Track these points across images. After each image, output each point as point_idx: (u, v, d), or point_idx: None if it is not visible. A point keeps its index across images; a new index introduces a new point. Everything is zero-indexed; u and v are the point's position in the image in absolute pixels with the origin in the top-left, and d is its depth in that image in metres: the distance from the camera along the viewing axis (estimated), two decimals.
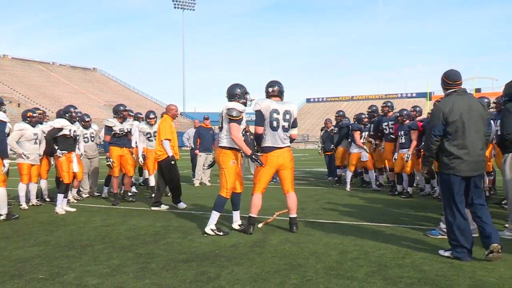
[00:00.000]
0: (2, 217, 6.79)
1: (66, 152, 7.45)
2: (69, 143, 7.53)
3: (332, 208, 7.71)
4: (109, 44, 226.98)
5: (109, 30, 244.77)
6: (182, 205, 7.87)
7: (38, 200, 8.38)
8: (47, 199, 8.70)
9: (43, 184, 8.75)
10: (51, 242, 5.39)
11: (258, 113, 5.69)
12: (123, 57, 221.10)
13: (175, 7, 71.24)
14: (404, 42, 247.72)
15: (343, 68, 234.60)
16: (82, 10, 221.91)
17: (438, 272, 4.00)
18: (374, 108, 10.90)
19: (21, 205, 7.93)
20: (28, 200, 8.18)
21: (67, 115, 7.58)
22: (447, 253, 4.47)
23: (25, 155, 7.71)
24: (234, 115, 5.56)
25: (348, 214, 7.09)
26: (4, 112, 6.99)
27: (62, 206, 7.47)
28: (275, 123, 5.65)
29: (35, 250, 5.02)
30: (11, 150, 7.61)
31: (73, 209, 7.67)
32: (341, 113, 11.85)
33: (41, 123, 8.41)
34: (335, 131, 11.62)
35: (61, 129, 7.40)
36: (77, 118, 7.98)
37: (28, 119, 7.91)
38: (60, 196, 7.43)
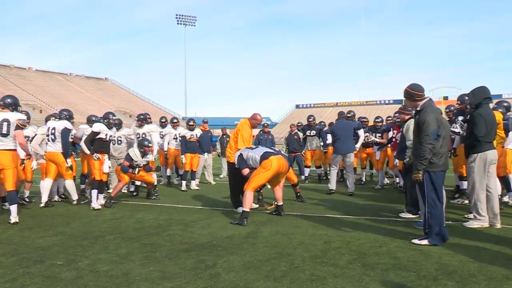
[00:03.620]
0: (74, 202, 7.55)
1: (100, 153, 7.33)
2: (103, 145, 7.40)
3: (318, 203, 7.69)
4: (119, 56, 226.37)
5: (118, 44, 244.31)
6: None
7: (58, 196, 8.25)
8: (62, 196, 8.40)
9: (61, 182, 8.52)
10: (67, 233, 5.35)
11: None
12: (132, 67, 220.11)
13: (178, 23, 71.27)
14: (382, 54, 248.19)
15: (329, 77, 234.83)
16: (94, 26, 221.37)
17: (410, 258, 4.02)
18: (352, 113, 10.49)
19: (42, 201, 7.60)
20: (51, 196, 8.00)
21: (105, 121, 7.47)
22: (424, 241, 4.49)
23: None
24: None
25: (332, 208, 7.08)
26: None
27: (98, 201, 7.33)
28: None
29: (54, 239, 5.00)
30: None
31: (99, 207, 7.39)
32: (312, 117, 11.59)
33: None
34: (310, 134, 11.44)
35: (98, 133, 7.29)
36: (114, 124, 7.85)
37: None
38: (94, 192, 7.26)
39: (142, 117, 9.43)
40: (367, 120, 10.56)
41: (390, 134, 8.96)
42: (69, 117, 7.61)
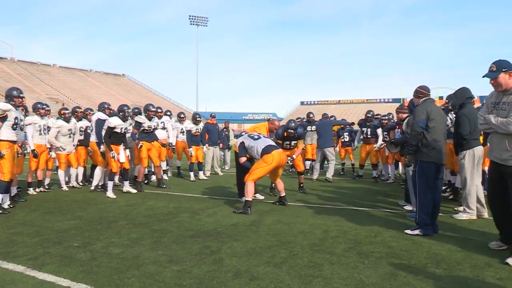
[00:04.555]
0: (92, 188, 7.80)
1: (116, 145, 7.30)
2: (118, 137, 7.35)
3: (319, 194, 7.68)
4: (135, 54, 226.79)
5: (135, 42, 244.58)
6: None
7: (77, 183, 8.33)
8: (80, 184, 8.48)
9: (80, 170, 8.56)
10: (84, 217, 5.41)
11: None
12: (147, 64, 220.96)
13: (190, 24, 70.67)
14: (382, 55, 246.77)
15: (332, 75, 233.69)
16: (113, 26, 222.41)
17: (402, 248, 4.00)
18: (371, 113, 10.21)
19: (62, 187, 7.95)
20: (68, 182, 8.22)
21: (120, 113, 7.33)
22: (416, 231, 4.48)
23: (62, 148, 7.75)
24: None
25: (332, 199, 7.06)
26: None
27: (125, 188, 7.58)
28: None
29: (72, 223, 5.06)
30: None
31: (134, 191, 7.62)
32: (312, 114, 11.56)
33: (81, 119, 8.35)
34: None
35: (114, 128, 7.22)
36: (130, 117, 7.78)
37: (63, 116, 7.91)
38: (110, 183, 7.28)
39: (136, 110, 9.09)
40: (387, 119, 9.53)
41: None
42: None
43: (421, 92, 4.83)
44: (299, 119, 12.28)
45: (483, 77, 3.71)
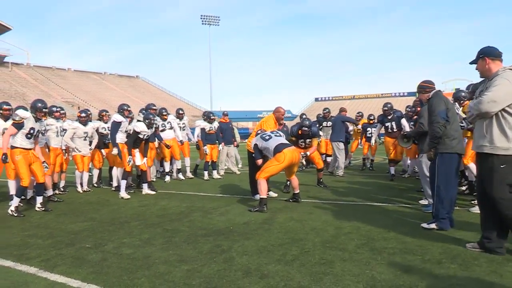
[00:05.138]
0: (113, 188, 8.11)
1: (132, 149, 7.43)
2: (137, 141, 7.47)
3: (332, 190, 7.62)
4: (148, 55, 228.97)
5: (148, 44, 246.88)
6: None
7: (88, 187, 8.29)
8: (95, 185, 8.68)
9: (95, 173, 8.77)
10: (96, 219, 5.46)
11: None
12: (161, 65, 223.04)
13: (202, 23, 71.12)
14: (397, 49, 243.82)
15: (346, 71, 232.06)
16: (125, 28, 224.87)
17: (416, 243, 3.92)
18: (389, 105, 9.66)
19: (77, 188, 8.04)
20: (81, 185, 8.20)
21: (146, 121, 7.44)
22: (432, 225, 4.39)
23: (77, 149, 7.79)
24: None
25: (345, 195, 6.99)
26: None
27: (144, 190, 7.65)
28: None
29: (85, 224, 5.11)
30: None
31: (154, 192, 7.66)
32: (327, 110, 11.56)
33: (91, 121, 8.37)
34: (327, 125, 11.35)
35: (139, 133, 7.35)
36: (155, 124, 7.86)
37: (79, 119, 7.99)
38: (123, 182, 7.35)
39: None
40: (410, 112, 8.85)
41: None
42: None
43: (428, 86, 4.75)
44: (305, 115, 12.25)
45: (470, 63, 3.73)
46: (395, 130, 9.15)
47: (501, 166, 3.37)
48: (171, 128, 9.52)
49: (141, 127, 7.36)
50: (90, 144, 8.13)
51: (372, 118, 11.37)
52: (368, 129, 11.28)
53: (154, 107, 8.64)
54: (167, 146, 8.77)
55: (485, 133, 3.47)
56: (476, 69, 3.66)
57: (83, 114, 8.02)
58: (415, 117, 8.14)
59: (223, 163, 11.05)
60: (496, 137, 3.39)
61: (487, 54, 3.56)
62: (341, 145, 9.93)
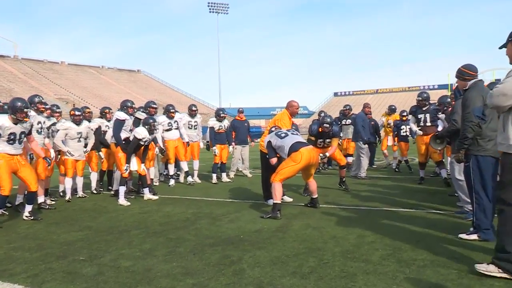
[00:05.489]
0: (112, 192, 8.17)
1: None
2: (137, 148, 7.49)
3: (353, 194, 7.55)
4: (151, 47, 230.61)
5: (150, 35, 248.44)
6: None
7: (85, 192, 8.22)
8: (94, 191, 8.60)
9: (93, 177, 8.68)
10: (93, 228, 5.47)
11: None
12: (164, 59, 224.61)
13: (210, 12, 71.22)
14: (425, 37, 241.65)
15: (368, 62, 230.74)
16: (125, 18, 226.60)
17: (451, 255, 3.82)
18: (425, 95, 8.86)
19: (66, 197, 7.80)
20: (75, 191, 8.17)
21: (147, 126, 7.42)
22: (473, 236, 4.27)
23: (69, 153, 7.61)
24: None
25: (367, 199, 6.91)
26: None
27: (146, 196, 7.68)
28: None
29: (79, 234, 5.11)
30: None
31: (156, 197, 7.70)
32: (348, 107, 11.79)
33: (89, 121, 8.39)
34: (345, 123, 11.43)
35: (141, 140, 7.35)
36: (156, 130, 7.84)
37: (72, 117, 7.80)
38: (121, 189, 7.36)
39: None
40: (438, 106, 8.34)
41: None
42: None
43: (467, 73, 4.48)
44: (324, 113, 12.30)
45: (499, 48, 3.56)
46: (428, 124, 8.45)
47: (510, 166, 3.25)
48: (178, 127, 9.55)
49: (142, 133, 7.32)
50: (85, 146, 8.03)
51: (405, 114, 11.16)
52: (402, 127, 11.07)
53: (154, 105, 8.53)
54: (162, 152, 8.61)
55: (502, 129, 3.36)
56: (507, 54, 3.49)
57: (77, 112, 7.85)
58: (441, 114, 7.91)
59: (235, 165, 11.02)
60: (510, 134, 3.28)
61: None
62: (363, 145, 9.89)
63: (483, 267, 3.30)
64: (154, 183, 9.04)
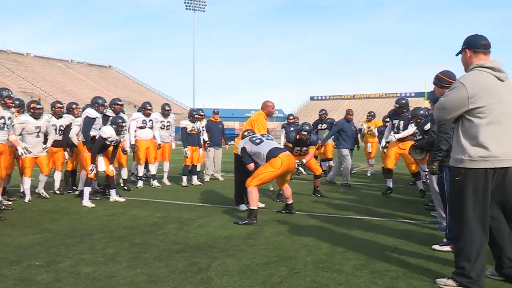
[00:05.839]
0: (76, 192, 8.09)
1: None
2: (103, 147, 7.34)
3: (327, 201, 7.57)
4: (124, 43, 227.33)
5: (124, 30, 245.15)
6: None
7: (44, 191, 7.85)
8: (57, 192, 8.35)
9: (57, 176, 8.45)
10: (52, 230, 5.29)
11: None
12: (137, 55, 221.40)
13: (186, 8, 70.83)
14: (404, 44, 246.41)
15: (346, 67, 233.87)
16: (99, 10, 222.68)
17: (424, 266, 3.85)
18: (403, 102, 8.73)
19: (25, 197, 7.46)
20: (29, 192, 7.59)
21: (114, 126, 7.25)
22: (446, 247, 4.31)
23: (26, 149, 7.11)
24: None
25: (341, 207, 6.93)
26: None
27: (112, 198, 7.53)
28: None
29: (37, 237, 4.93)
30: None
31: (122, 199, 7.54)
32: (323, 111, 11.98)
33: (61, 117, 8.17)
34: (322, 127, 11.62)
35: (106, 139, 7.19)
36: (125, 130, 7.69)
37: (32, 110, 7.38)
38: (86, 190, 7.16)
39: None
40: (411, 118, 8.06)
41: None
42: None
43: (446, 80, 4.36)
44: (292, 116, 12.80)
45: (456, 55, 3.52)
46: (401, 129, 8.34)
47: (456, 178, 3.28)
48: (152, 127, 9.42)
49: (108, 132, 7.17)
50: (45, 142, 7.63)
51: (387, 119, 10.52)
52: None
53: (119, 103, 8.30)
54: (124, 151, 8.53)
55: (455, 141, 3.36)
56: (462, 61, 3.44)
57: (37, 106, 7.44)
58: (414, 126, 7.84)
59: (210, 168, 10.91)
60: (456, 147, 3.30)
61: (468, 45, 3.37)
62: (345, 151, 10.01)
63: (442, 282, 3.33)
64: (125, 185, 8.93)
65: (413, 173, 8.32)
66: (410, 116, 8.21)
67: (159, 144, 9.53)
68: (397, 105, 8.49)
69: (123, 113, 8.89)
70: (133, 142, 9.11)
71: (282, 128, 12.55)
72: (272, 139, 6.27)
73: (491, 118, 3.11)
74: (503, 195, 3.26)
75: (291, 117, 12.70)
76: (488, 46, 3.32)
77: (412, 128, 7.97)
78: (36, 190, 7.86)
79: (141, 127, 9.22)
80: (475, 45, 3.32)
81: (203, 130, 10.40)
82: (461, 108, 3.17)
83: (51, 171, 8.30)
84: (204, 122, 10.54)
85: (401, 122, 8.34)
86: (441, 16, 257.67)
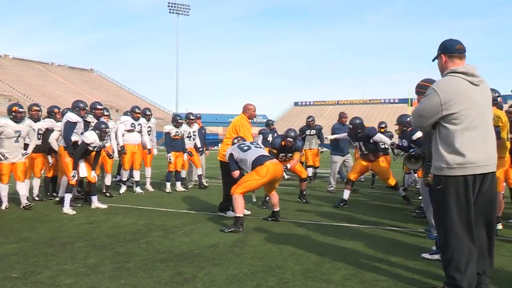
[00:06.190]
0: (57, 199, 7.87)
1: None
2: (85, 153, 7.20)
3: (313, 208, 7.53)
4: (106, 46, 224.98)
5: (106, 32, 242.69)
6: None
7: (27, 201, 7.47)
8: (36, 198, 8.15)
9: (35, 183, 8.22)
10: (31, 239, 5.14)
11: None
12: (120, 59, 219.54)
13: (170, 12, 70.76)
14: (388, 50, 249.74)
15: (330, 73, 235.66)
16: (80, 12, 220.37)
17: (415, 275, 3.82)
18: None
19: (1, 205, 7.21)
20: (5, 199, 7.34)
21: (97, 131, 7.12)
22: (436, 256, 4.26)
23: (3, 155, 6.95)
24: None
25: (328, 215, 6.90)
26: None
27: (93, 204, 7.39)
28: None
29: (14, 247, 4.77)
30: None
31: (105, 206, 7.39)
32: (311, 118, 12.09)
33: (39, 120, 7.95)
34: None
35: (89, 145, 7.06)
36: (108, 134, 7.62)
37: (14, 113, 7.10)
38: (67, 196, 7.00)
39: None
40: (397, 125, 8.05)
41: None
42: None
43: (428, 87, 4.50)
44: (271, 121, 13.12)
45: (432, 61, 3.52)
46: (363, 149, 8.03)
47: (438, 187, 3.28)
48: (140, 131, 9.33)
49: (91, 138, 7.04)
50: (25, 148, 7.39)
51: (383, 125, 10.54)
52: None
53: (99, 107, 8.12)
54: (109, 156, 8.42)
55: (433, 149, 3.35)
56: (438, 66, 3.44)
57: (20, 109, 7.19)
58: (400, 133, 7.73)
59: (195, 174, 10.80)
60: (435, 155, 3.29)
61: (443, 50, 3.37)
62: (335, 158, 10.01)
63: None
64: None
65: (390, 186, 8.06)
66: (395, 124, 8.26)
67: (149, 149, 9.53)
68: (351, 126, 8.01)
69: (110, 118, 8.82)
70: (121, 144, 8.99)
71: (259, 134, 12.58)
72: (260, 147, 6.22)
73: (466, 124, 3.11)
74: (481, 202, 3.23)
75: (271, 123, 12.94)
76: (463, 50, 3.31)
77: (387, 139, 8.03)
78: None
79: (129, 131, 9.12)
80: (450, 50, 3.32)
81: (195, 136, 10.31)
82: (436, 114, 3.17)
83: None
84: (196, 127, 10.40)
85: (361, 143, 8.00)
86: (425, 23, 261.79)
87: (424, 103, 3.25)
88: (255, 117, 7.26)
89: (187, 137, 10.09)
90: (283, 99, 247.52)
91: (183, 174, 10.44)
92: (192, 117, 10.31)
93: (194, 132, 10.19)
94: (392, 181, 7.93)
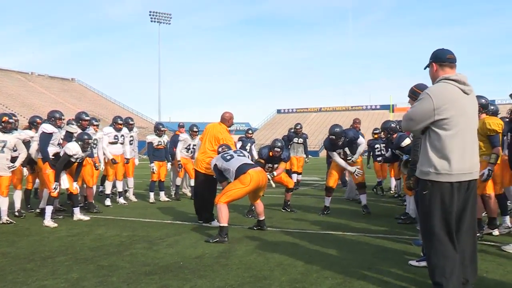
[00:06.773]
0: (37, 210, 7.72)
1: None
2: (67, 165, 7.05)
3: (299, 216, 7.50)
4: (87, 55, 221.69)
5: (87, 41, 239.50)
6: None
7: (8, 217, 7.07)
8: (16, 213, 7.53)
9: (17, 195, 7.64)
10: (10, 254, 4.97)
11: None
12: (101, 68, 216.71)
13: (151, 21, 70.47)
14: (370, 57, 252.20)
15: (312, 80, 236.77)
16: (61, 21, 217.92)
17: (401, 283, 3.81)
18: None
19: None
20: None
21: (80, 143, 6.95)
22: (423, 263, 4.25)
23: None
24: None
25: (314, 223, 6.87)
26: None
27: (75, 216, 7.24)
28: None
29: None
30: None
31: (87, 218, 7.24)
32: (299, 125, 12.43)
33: (16, 129, 7.43)
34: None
35: (71, 156, 6.91)
36: (92, 144, 7.54)
37: (3, 124, 6.83)
38: (48, 208, 6.82)
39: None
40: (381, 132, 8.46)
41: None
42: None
43: (419, 93, 4.17)
44: (251, 130, 13.28)
45: (424, 69, 3.59)
46: (348, 153, 7.81)
47: (424, 192, 3.29)
48: (123, 142, 9.23)
49: (73, 149, 6.90)
50: (13, 161, 7.10)
51: (377, 131, 10.47)
52: (377, 145, 10.55)
53: (86, 118, 8.06)
54: (96, 168, 8.21)
55: (422, 153, 3.38)
56: (429, 75, 3.52)
57: (10, 120, 6.95)
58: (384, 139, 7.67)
59: (180, 183, 10.64)
60: (423, 159, 3.32)
61: (434, 59, 3.44)
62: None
63: None
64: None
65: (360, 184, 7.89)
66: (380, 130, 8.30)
67: (127, 159, 9.34)
68: (334, 136, 7.58)
69: (99, 128, 8.71)
70: (110, 157, 8.85)
71: (238, 140, 12.68)
72: (243, 155, 6.17)
73: (456, 131, 3.16)
74: (463, 208, 3.24)
75: (250, 132, 13.01)
76: (454, 60, 3.40)
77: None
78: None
79: (112, 143, 8.99)
80: (441, 59, 3.40)
81: (194, 149, 9.96)
82: (428, 119, 3.21)
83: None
84: (197, 139, 9.90)
85: (345, 149, 7.80)
86: (403, 30, 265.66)
87: (416, 107, 3.29)
88: (233, 124, 7.36)
89: (186, 148, 9.97)
90: (266, 107, 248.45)
91: (178, 181, 10.37)
92: (195, 129, 10.07)
93: (195, 145, 9.93)
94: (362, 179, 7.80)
